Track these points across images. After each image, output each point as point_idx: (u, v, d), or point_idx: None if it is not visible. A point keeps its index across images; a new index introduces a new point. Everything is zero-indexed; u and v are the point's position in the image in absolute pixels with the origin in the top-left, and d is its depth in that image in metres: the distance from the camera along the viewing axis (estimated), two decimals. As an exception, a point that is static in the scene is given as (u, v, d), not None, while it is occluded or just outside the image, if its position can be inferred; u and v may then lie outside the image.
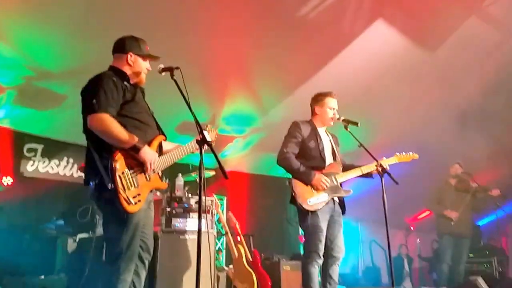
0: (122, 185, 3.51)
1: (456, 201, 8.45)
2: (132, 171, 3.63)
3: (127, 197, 3.51)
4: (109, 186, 3.45)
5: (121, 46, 4.05)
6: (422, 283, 13.07)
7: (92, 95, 3.64)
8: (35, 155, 8.65)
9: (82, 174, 3.87)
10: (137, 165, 3.70)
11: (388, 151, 5.62)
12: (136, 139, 3.66)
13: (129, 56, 3.99)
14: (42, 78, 7.65)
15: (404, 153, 5.53)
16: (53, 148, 8.94)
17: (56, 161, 8.95)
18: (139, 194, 3.62)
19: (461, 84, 9.15)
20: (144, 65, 4.08)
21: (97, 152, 3.61)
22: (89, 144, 3.72)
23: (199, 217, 3.45)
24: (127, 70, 3.99)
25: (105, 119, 3.58)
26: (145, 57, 4.08)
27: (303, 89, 8.59)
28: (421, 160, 5.69)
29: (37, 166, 8.69)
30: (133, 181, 3.61)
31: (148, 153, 3.73)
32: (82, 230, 7.00)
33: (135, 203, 3.57)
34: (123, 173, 3.54)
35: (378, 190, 5.07)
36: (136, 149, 3.65)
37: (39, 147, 8.71)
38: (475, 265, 9.34)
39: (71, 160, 9.07)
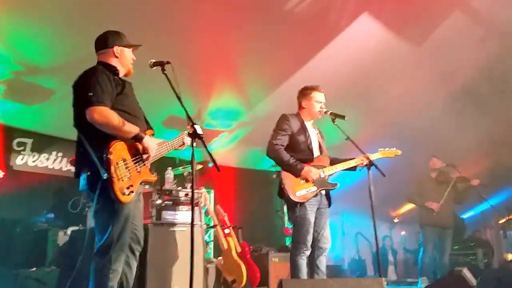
0: (117, 175, 3.55)
1: (437, 193, 8.47)
2: (125, 163, 3.66)
3: (121, 187, 3.56)
4: (104, 176, 3.48)
5: (105, 42, 4.10)
6: (407, 275, 13.21)
7: (88, 88, 3.68)
8: (24, 149, 8.65)
9: (72, 168, 3.89)
10: (132, 155, 3.77)
11: (374, 144, 5.70)
12: (137, 128, 3.76)
13: (115, 48, 4.05)
14: (30, 73, 7.66)
15: (387, 148, 5.62)
16: (42, 142, 8.94)
17: (46, 155, 8.96)
18: (131, 185, 3.66)
19: (448, 76, 9.25)
20: (130, 55, 4.16)
21: (91, 144, 3.64)
22: (81, 137, 3.74)
23: (192, 209, 3.58)
24: (115, 63, 4.05)
25: (105, 111, 3.64)
26: (129, 47, 4.15)
27: (290, 83, 8.64)
28: (407, 153, 5.79)
29: (27, 160, 8.71)
30: (126, 172, 3.65)
31: (150, 141, 3.84)
32: (73, 223, 7.02)
33: (128, 194, 3.62)
34: (117, 164, 3.57)
35: (363, 182, 5.16)
36: (139, 138, 3.75)
37: (29, 141, 8.71)
38: (460, 257, 9.46)
39: (60, 154, 9.06)
